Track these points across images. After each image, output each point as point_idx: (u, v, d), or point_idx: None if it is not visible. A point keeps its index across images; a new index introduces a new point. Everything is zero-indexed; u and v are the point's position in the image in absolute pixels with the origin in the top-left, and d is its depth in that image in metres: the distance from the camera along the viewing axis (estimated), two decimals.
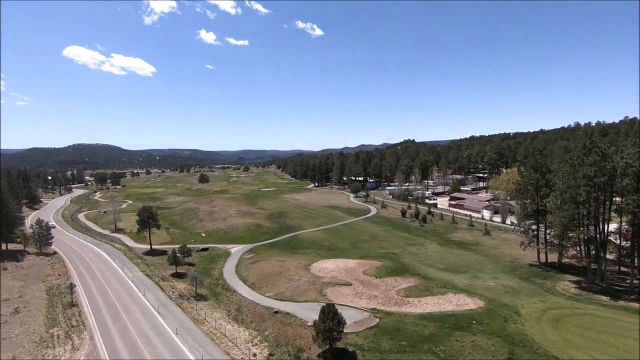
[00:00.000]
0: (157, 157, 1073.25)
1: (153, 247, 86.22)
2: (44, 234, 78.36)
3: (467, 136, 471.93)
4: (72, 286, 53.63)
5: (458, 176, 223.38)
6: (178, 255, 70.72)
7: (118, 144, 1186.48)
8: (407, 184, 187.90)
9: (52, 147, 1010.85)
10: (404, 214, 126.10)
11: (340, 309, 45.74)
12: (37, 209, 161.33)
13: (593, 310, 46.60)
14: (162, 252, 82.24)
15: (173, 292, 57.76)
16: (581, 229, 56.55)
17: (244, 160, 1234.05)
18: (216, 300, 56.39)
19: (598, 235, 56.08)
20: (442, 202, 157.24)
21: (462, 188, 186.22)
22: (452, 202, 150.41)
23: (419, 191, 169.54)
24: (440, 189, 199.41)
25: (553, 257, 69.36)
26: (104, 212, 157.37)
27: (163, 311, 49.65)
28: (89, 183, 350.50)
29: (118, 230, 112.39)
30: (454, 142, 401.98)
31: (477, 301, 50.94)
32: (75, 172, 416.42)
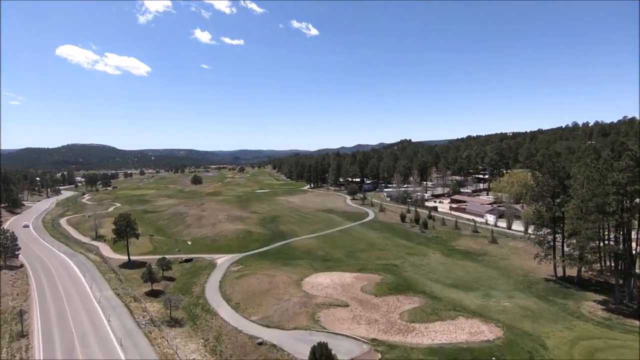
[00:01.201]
0: (152, 158, 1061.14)
1: (132, 258, 78.57)
2: (8, 245, 70.52)
3: (464, 136, 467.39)
4: (22, 313, 46.11)
5: (457, 177, 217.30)
6: (154, 270, 63.45)
7: (113, 144, 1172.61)
8: (405, 186, 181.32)
9: (46, 147, 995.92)
10: (403, 218, 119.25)
11: (335, 341, 38.79)
12: (18, 213, 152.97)
13: (632, 342, 39.79)
14: (141, 264, 74.68)
15: (144, 317, 50.36)
16: (609, 242, 49.81)
17: (240, 160, 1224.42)
18: (193, 326, 49.06)
19: (628, 249, 49.41)
20: (442, 205, 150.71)
21: (462, 190, 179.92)
22: (454, 205, 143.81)
23: (418, 193, 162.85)
24: (439, 190, 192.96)
25: (571, 271, 62.70)
26: (88, 216, 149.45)
27: (127, 343, 42.28)
28: (79, 184, 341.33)
29: (99, 237, 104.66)
30: (450, 142, 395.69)
31: (493, 329, 44.02)
32: (65, 173, 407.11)
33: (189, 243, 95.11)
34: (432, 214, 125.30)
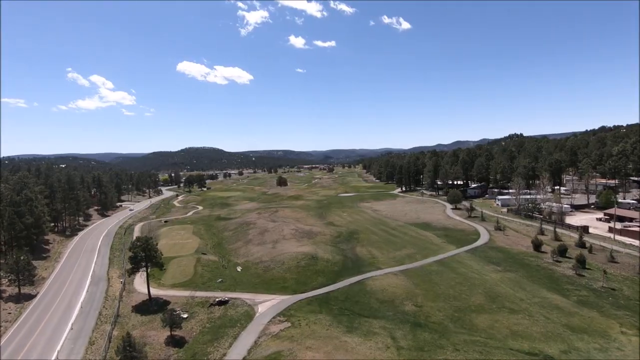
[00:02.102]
0: (253, 159, 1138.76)
1: (158, 292, 61.22)
2: (26, 268, 59.77)
3: (594, 127, 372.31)
4: None
5: (602, 180, 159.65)
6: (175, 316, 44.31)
7: (220, 147, 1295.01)
8: (528, 193, 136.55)
9: (169, 150, 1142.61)
10: (538, 246, 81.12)
11: None
12: (108, 216, 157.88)
13: None
14: (164, 305, 56.67)
15: None
16: None
17: (332, 159, 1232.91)
18: None
19: None
20: (589, 221, 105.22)
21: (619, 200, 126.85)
22: (615, 225, 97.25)
23: (553, 205, 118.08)
24: (578, 199, 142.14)
25: None
26: (165, 221, 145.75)
27: None
28: (181, 185, 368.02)
29: None
30: (575, 134, 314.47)
31: None
32: (173, 174, 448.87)
33: (239, 269, 75.39)
34: (584, 239, 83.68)
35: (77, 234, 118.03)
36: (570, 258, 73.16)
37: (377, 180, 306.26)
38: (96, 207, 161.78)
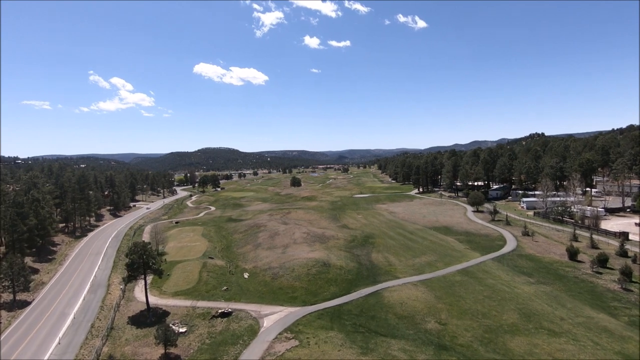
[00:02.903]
0: (268, 159, 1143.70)
1: (158, 302, 57.04)
2: (21, 273, 56.51)
3: (614, 127, 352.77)
4: None
5: (637, 182, 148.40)
6: (169, 332, 39.86)
7: (236, 147, 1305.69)
8: (557, 195, 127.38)
9: (186, 151, 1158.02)
10: (573, 254, 73.40)
11: None
12: (120, 216, 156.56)
13: None
14: (162, 316, 52.39)
15: None
16: None
17: (347, 160, 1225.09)
18: None
19: None
20: (627, 226, 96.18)
21: None
22: None
23: (587, 208, 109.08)
24: (611, 202, 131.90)
25: None
26: (176, 222, 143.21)
27: None
28: (196, 185, 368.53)
29: (159, 254, 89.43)
30: (600, 133, 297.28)
31: None
32: (188, 174, 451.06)
33: (246, 276, 70.68)
34: (626, 246, 75.44)
35: (86, 235, 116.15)
36: (612, 269, 65.50)
37: (393, 181, 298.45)
38: (108, 208, 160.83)
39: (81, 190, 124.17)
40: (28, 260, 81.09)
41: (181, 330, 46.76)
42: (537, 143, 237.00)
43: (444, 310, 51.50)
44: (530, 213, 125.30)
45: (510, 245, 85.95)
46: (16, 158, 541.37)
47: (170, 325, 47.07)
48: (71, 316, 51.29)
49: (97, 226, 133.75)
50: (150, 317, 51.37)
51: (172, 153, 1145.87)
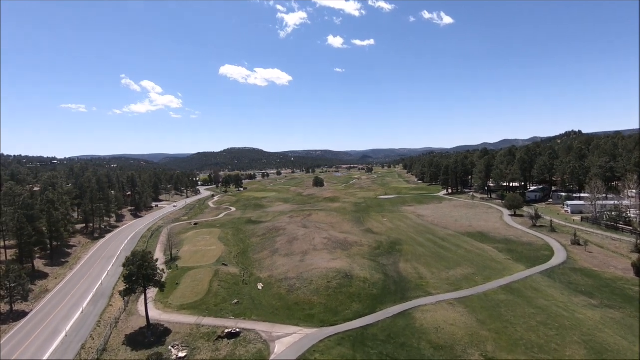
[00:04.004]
0: (292, 158, 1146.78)
1: (160, 318, 51.48)
2: (18, 282, 52.62)
3: None
4: None
5: None
6: None
7: (260, 147, 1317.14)
8: (607, 198, 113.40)
9: (212, 151, 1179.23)
10: None
11: None
12: (141, 217, 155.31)
13: None
14: (163, 334, 46.72)
15: None
16: None
17: (371, 159, 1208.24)
18: None
19: None
20: None
21: None
22: None
23: None
24: None
25: None
26: (195, 223, 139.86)
27: None
28: (219, 185, 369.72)
29: (173, 259, 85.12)
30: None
31: None
32: (212, 174, 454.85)
33: (260, 287, 64.36)
34: None
35: (104, 237, 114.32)
36: None
37: (419, 181, 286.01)
38: (129, 208, 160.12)
39: (100, 191, 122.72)
40: (40, 264, 78.74)
41: (180, 355, 40.84)
42: (580, 141, 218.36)
43: (489, 339, 42.84)
44: (577, 218, 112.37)
45: (559, 256, 75.16)
46: (53, 158, 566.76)
47: (170, 347, 41.37)
48: (63, 333, 46.56)
49: (117, 227, 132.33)
50: (150, 336, 45.82)
51: (198, 153, 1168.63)
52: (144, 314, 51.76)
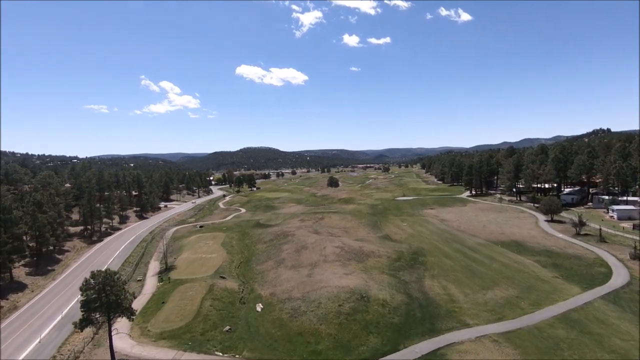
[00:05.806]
0: (308, 158, 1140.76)
1: (132, 351, 41.99)
2: None
3: None
4: None
5: None
6: None
7: (276, 147, 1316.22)
8: None
9: (228, 150, 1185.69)
10: None
11: None
12: (146, 218, 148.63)
13: None
14: None
15: None
16: None
17: (387, 158, 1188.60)
18: None
19: None
20: None
21: None
22: None
23: None
24: None
25: None
26: (200, 226, 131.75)
27: None
28: (232, 184, 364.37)
29: (168, 269, 76.40)
30: None
31: None
32: (226, 173, 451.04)
33: (259, 309, 54.43)
34: None
35: (103, 240, 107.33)
36: None
37: (439, 182, 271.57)
38: (135, 209, 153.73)
39: (101, 191, 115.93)
40: (22, 273, 71.38)
41: None
42: (620, 139, 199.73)
43: None
44: (627, 225, 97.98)
45: (619, 274, 62.31)
46: (75, 157, 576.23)
47: None
48: None
49: (120, 229, 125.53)
50: None
51: (215, 152, 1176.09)
52: (117, 344, 42.51)
